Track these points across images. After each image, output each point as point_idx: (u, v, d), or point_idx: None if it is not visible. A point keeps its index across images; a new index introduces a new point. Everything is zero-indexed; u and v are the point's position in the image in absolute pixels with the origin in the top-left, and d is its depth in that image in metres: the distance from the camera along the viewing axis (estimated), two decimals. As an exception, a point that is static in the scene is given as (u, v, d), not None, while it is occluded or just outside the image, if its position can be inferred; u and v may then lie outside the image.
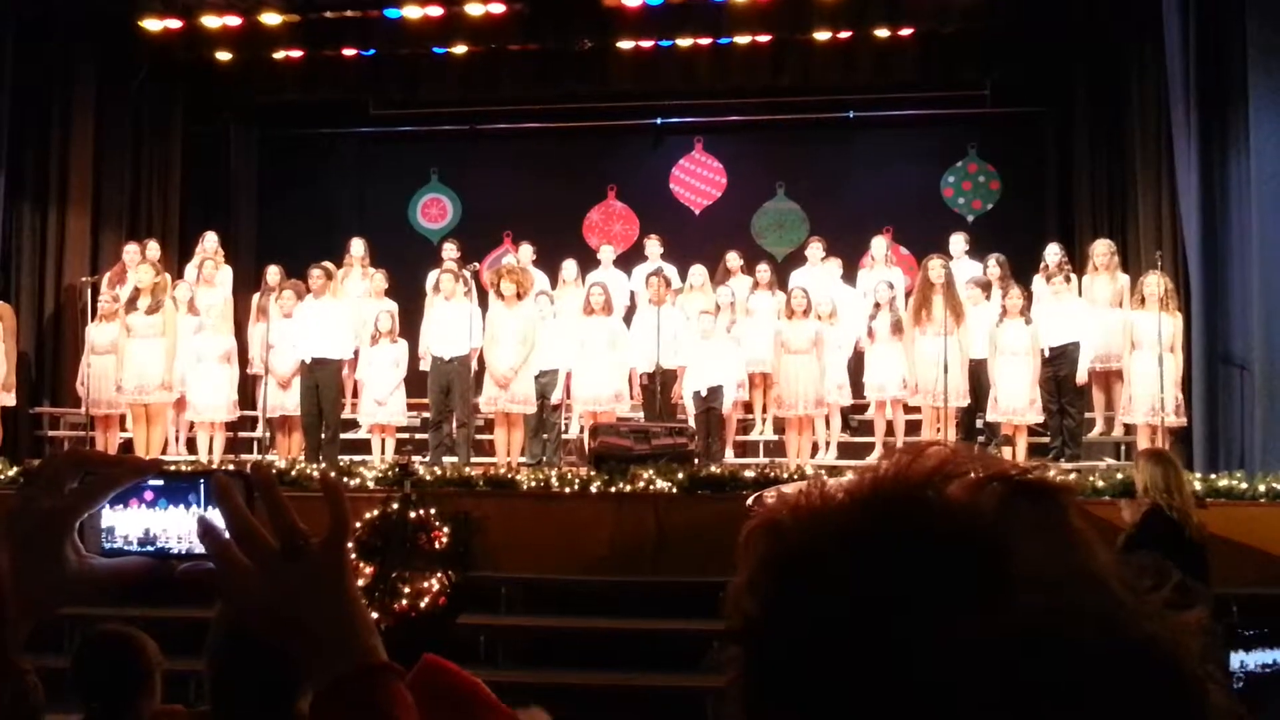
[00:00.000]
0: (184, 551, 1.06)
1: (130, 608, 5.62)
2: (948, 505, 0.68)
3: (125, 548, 1.06)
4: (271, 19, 12.23)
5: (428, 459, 10.14)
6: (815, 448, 10.71)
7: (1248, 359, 9.30)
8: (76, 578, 1.04)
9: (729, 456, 10.56)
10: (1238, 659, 2.95)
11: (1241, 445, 9.39)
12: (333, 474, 8.56)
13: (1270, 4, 9.17)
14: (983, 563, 0.65)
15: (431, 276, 11.60)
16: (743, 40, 12.68)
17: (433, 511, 8.07)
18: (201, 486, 1.06)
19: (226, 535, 0.99)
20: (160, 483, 1.08)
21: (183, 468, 1.23)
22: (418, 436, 11.04)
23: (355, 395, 11.26)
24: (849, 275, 11.99)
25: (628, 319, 11.30)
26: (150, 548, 1.07)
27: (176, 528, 1.07)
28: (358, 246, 12.20)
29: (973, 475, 0.69)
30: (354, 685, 0.98)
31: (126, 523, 1.07)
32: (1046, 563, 0.66)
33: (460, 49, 12.79)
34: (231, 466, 1.09)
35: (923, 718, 0.63)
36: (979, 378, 10.25)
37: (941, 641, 0.63)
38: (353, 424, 11.14)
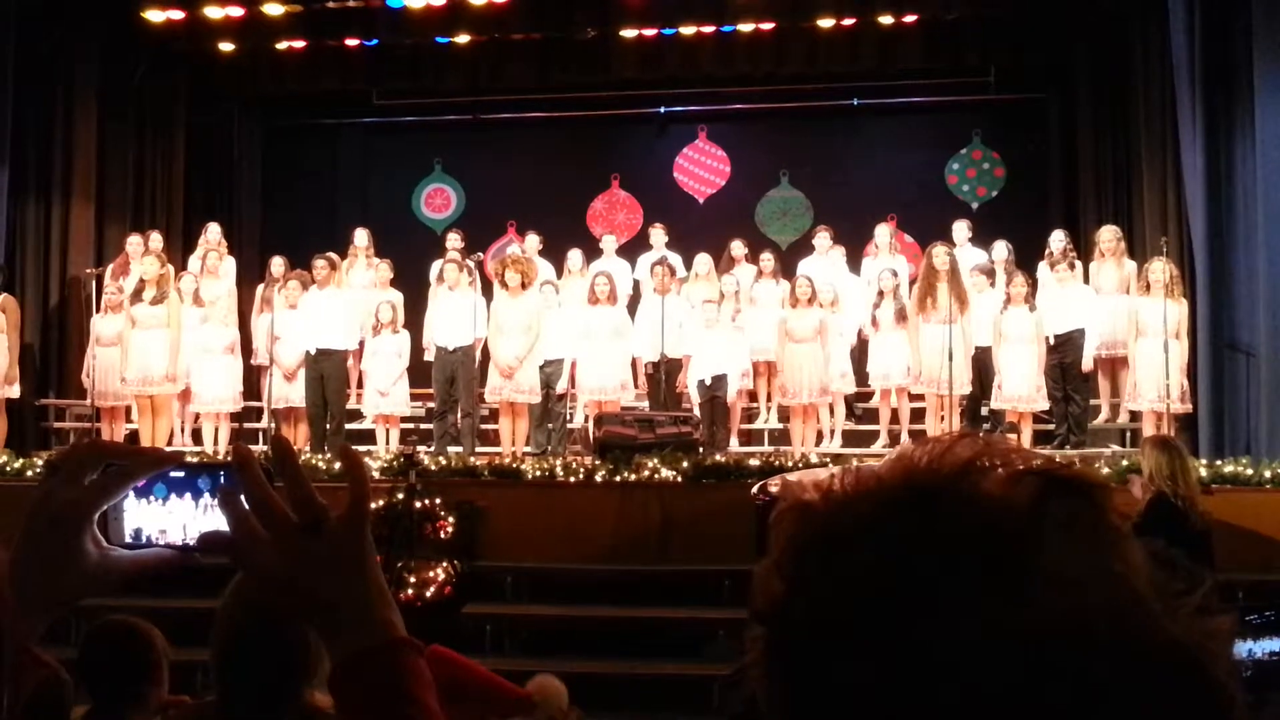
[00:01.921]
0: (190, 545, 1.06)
1: (138, 598, 5.63)
2: (979, 498, 0.67)
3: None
4: (274, 9, 12.21)
5: (432, 449, 10.15)
6: (820, 436, 10.70)
7: (1253, 345, 9.28)
8: (97, 570, 1.04)
9: (733, 445, 10.56)
10: (1245, 647, 2.95)
11: (1247, 431, 9.38)
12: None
13: (1276, -12, 9.14)
14: (1006, 557, 0.65)
15: (435, 266, 11.60)
16: (746, 28, 12.65)
17: (438, 501, 8.08)
18: (219, 477, 1.05)
19: (247, 507, 0.98)
20: (180, 474, 1.07)
21: (189, 459, 1.21)
22: (423, 426, 11.05)
23: (360, 386, 11.27)
24: (853, 263, 11.97)
25: (632, 308, 11.29)
26: (143, 547, 1.06)
27: (177, 525, 1.06)
28: (361, 237, 12.19)
29: (1007, 469, 0.69)
30: (373, 659, 0.97)
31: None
32: (1072, 561, 0.65)
33: (463, 38, 12.77)
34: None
35: (939, 708, 0.63)
36: (984, 365, 10.23)
37: (958, 634, 0.63)
38: (357, 414, 11.16)
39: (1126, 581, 0.65)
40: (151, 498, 1.06)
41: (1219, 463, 8.58)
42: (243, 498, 0.98)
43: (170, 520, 1.06)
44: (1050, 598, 0.63)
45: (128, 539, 1.06)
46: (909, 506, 0.68)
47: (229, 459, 1.01)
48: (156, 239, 11.71)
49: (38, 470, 9.31)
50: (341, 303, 10.86)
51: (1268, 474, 8.17)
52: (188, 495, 1.06)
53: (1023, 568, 0.64)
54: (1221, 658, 0.65)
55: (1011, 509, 0.66)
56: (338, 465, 8.53)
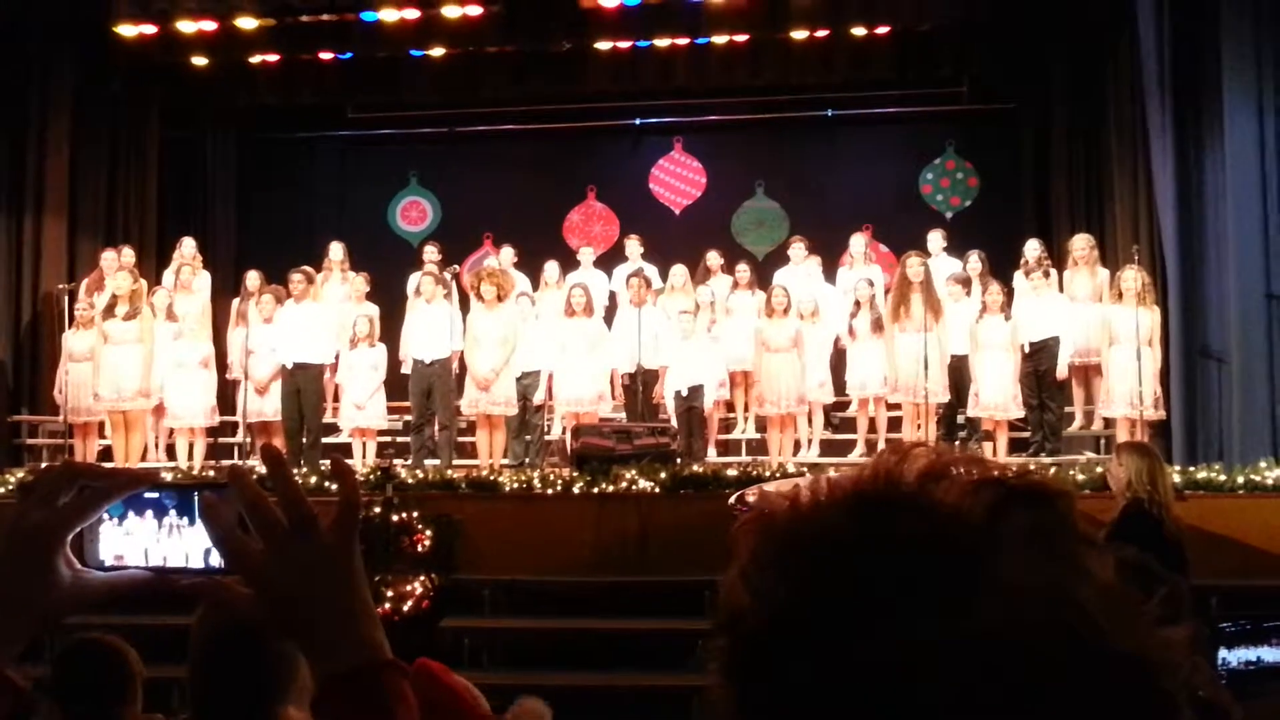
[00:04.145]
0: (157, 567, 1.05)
1: (111, 615, 5.59)
2: (931, 507, 0.68)
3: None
4: (247, 23, 12.15)
5: (409, 462, 10.11)
6: (797, 446, 10.72)
7: (1225, 352, 9.36)
8: (71, 592, 1.03)
9: (711, 455, 10.56)
10: (1220, 655, 2.97)
11: (1219, 438, 9.45)
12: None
13: (1243, -1, 9.24)
14: (953, 567, 0.65)
15: (412, 280, 11.57)
16: (720, 40, 12.68)
17: (415, 514, 8.05)
18: (189, 494, 1.04)
19: (229, 518, 0.98)
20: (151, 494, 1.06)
21: (165, 477, 1.19)
22: (399, 440, 11.01)
23: (336, 399, 11.22)
24: (828, 273, 12.01)
25: (608, 320, 11.29)
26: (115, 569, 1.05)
27: (137, 548, 1.04)
28: (336, 250, 12.15)
29: (964, 478, 0.69)
30: (359, 681, 0.96)
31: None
32: (1023, 571, 0.65)
33: (438, 51, 12.75)
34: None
35: (888, 715, 0.64)
36: (960, 374, 10.28)
37: (906, 641, 0.64)
38: (334, 428, 11.10)
39: (1077, 593, 0.66)
40: (105, 517, 1.04)
41: (1191, 469, 8.64)
42: (226, 512, 0.98)
43: (129, 543, 1.05)
44: (995, 607, 0.64)
45: (87, 563, 1.04)
46: (859, 518, 0.68)
47: (214, 479, 1.00)
48: (129, 254, 11.63)
49: (10, 488, 9.23)
50: (318, 316, 10.82)
51: (1240, 480, 8.24)
52: (149, 514, 1.05)
53: (971, 577, 0.65)
54: (1174, 668, 0.65)
55: (966, 518, 0.67)
56: (313, 480, 8.50)
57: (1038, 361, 10.17)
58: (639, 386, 10.58)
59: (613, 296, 11.94)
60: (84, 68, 12.30)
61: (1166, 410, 9.74)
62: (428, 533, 8.00)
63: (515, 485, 8.83)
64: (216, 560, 1.01)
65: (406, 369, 10.88)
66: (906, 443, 0.74)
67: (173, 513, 1.04)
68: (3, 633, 1.01)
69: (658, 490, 8.52)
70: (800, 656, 0.66)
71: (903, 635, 0.64)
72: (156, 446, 11.20)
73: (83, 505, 1.03)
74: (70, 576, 1.03)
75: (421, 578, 7.72)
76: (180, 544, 1.03)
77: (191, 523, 1.03)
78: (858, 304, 10.72)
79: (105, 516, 1.04)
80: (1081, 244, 10.76)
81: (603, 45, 12.79)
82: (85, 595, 1.04)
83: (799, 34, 12.44)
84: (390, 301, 11.76)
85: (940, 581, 0.65)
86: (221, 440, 11.56)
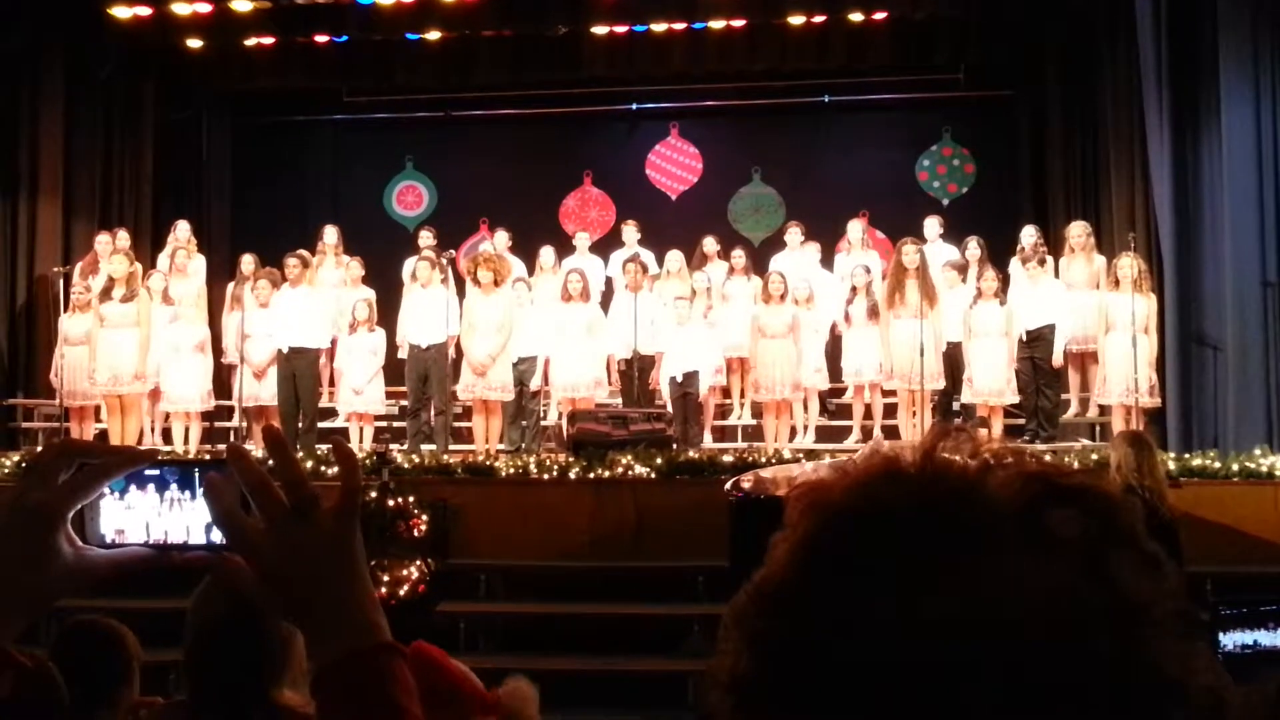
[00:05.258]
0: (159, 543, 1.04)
1: (109, 598, 5.59)
2: (970, 494, 0.67)
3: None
4: (242, 5, 12.11)
5: (406, 447, 10.12)
6: (793, 432, 10.73)
7: (1220, 339, 9.37)
8: (73, 570, 1.03)
9: (707, 441, 10.58)
10: (1218, 640, 2.99)
11: (1215, 425, 9.46)
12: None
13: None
14: (962, 554, 0.65)
15: (408, 264, 11.55)
16: (717, 25, 12.66)
17: (411, 499, 8.06)
18: (191, 470, 1.04)
19: (232, 497, 0.98)
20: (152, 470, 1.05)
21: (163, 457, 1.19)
22: (396, 425, 11.01)
23: (332, 384, 11.21)
24: (825, 259, 12.02)
25: (605, 305, 11.30)
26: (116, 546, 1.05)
27: (139, 522, 1.04)
28: (330, 234, 12.13)
29: (1014, 470, 0.68)
30: (360, 664, 0.97)
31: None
32: (1034, 567, 0.64)
33: (434, 35, 12.73)
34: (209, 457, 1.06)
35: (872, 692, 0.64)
36: (955, 360, 10.29)
37: (895, 618, 0.64)
38: (330, 412, 11.11)
39: (1082, 599, 0.64)
40: (106, 491, 1.04)
41: (1187, 456, 8.66)
42: (229, 491, 0.98)
43: (130, 518, 1.05)
44: (986, 597, 0.63)
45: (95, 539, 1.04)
46: (899, 495, 0.68)
47: (213, 457, 1.01)
48: (124, 237, 11.61)
49: (5, 470, 9.23)
50: (314, 301, 10.81)
51: (1235, 467, 8.26)
52: (150, 488, 1.04)
53: (973, 566, 0.65)
54: (1185, 695, 0.64)
55: (999, 508, 0.66)
56: (310, 464, 8.50)
57: (1034, 349, 10.18)
58: (635, 372, 10.58)
59: (609, 282, 11.94)
60: (78, 50, 12.25)
61: (1162, 397, 9.75)
62: (424, 517, 8.01)
63: (511, 470, 8.83)
64: (218, 536, 1.01)
65: (402, 354, 10.89)
66: (963, 427, 0.73)
67: (174, 487, 1.04)
68: (4, 612, 1.01)
69: (653, 476, 8.54)
70: (803, 620, 0.66)
71: (899, 610, 0.64)
72: (152, 430, 11.19)
73: (82, 483, 1.03)
74: (72, 554, 1.03)
75: (418, 562, 7.73)
76: (181, 518, 1.03)
77: (193, 497, 1.03)
78: (854, 290, 10.71)
79: (106, 491, 1.04)
80: (1078, 231, 10.76)
81: (599, 29, 12.77)
82: (87, 573, 1.04)
83: (796, 19, 12.42)
84: (386, 286, 11.75)
85: (939, 568, 0.65)
86: (217, 424, 11.55)
